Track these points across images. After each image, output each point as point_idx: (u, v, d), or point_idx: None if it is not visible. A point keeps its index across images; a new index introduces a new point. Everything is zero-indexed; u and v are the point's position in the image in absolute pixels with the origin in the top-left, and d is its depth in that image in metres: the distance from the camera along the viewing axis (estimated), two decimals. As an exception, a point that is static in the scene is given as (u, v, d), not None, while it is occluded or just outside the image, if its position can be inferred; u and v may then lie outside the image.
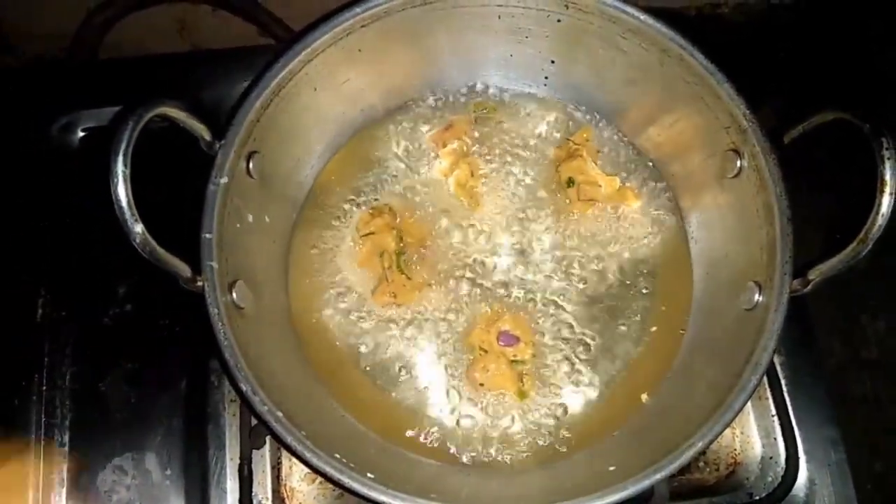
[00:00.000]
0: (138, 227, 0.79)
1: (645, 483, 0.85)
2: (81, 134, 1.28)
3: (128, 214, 0.79)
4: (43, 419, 1.12)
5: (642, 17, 0.99)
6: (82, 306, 1.19)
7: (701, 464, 1.14)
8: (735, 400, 0.88)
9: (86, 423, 1.13)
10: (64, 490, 1.09)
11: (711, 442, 0.87)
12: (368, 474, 0.86)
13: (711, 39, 1.00)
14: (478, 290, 1.09)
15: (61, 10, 1.39)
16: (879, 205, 0.82)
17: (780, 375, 1.15)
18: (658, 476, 0.85)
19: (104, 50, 1.45)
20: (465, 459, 1.02)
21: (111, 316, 1.19)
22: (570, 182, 1.14)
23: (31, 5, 1.39)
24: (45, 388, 1.14)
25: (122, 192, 0.78)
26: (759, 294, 0.95)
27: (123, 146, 0.78)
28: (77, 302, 1.19)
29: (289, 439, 0.85)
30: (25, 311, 1.18)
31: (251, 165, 0.98)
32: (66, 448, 1.11)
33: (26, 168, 1.27)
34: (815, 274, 0.90)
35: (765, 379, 1.13)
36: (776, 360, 1.16)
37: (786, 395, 1.14)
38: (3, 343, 1.17)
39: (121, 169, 0.78)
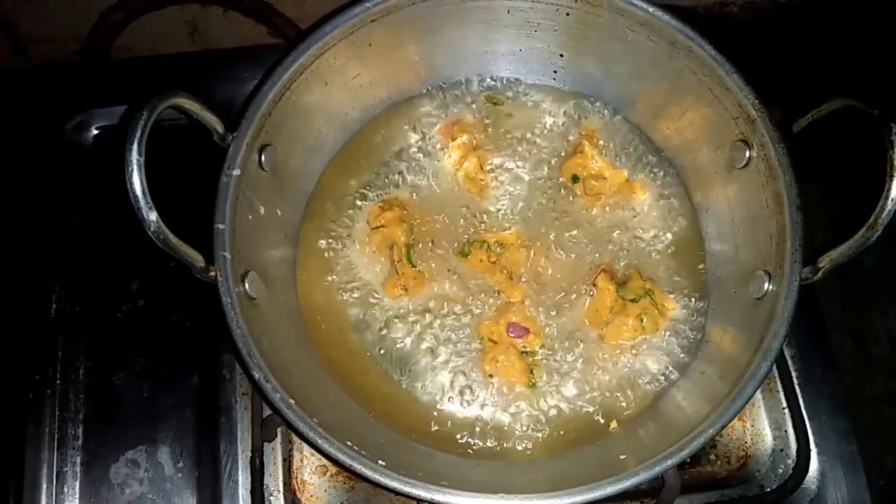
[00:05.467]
0: (153, 215, 0.80)
1: (656, 469, 0.85)
2: (95, 132, 1.30)
3: (142, 202, 0.79)
4: (57, 412, 1.13)
5: (651, 9, 1.00)
6: (96, 302, 1.20)
7: (712, 457, 1.13)
8: (745, 387, 0.89)
9: (99, 416, 1.14)
10: (77, 483, 1.10)
11: (722, 429, 0.87)
12: (380, 461, 0.86)
13: (719, 38, 1.00)
14: (487, 282, 1.10)
15: (74, 14, 1.40)
16: (889, 189, 0.82)
17: (792, 368, 1.15)
18: (669, 462, 0.85)
19: (115, 52, 1.46)
20: (475, 449, 1.02)
21: (124, 311, 1.20)
22: (575, 178, 1.15)
23: (45, 9, 1.40)
24: (59, 381, 1.15)
25: (136, 180, 0.79)
26: (769, 283, 0.95)
27: (138, 135, 0.79)
28: (91, 297, 1.20)
29: (301, 426, 0.85)
30: (40, 306, 1.19)
31: (263, 158, 0.99)
32: (80, 441, 1.12)
33: (41, 166, 1.28)
34: (824, 262, 0.90)
35: (776, 372, 1.14)
36: (787, 353, 1.16)
37: (797, 387, 1.14)
38: (18, 337, 1.18)
39: (135, 157, 0.79)
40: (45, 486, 1.09)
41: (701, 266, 1.12)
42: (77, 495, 1.10)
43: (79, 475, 1.11)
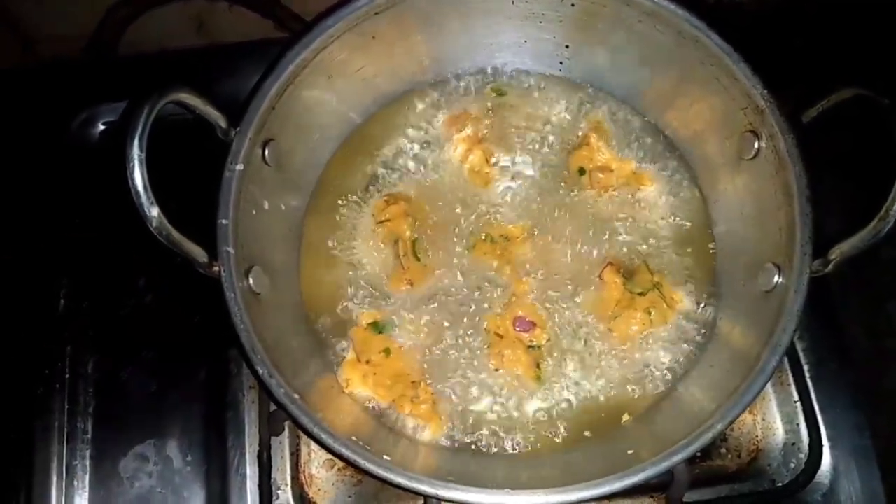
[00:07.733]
0: (154, 211, 0.80)
1: (664, 465, 0.85)
2: (101, 128, 1.30)
3: (144, 198, 0.79)
4: (66, 407, 1.14)
5: (656, -1, 0.99)
6: (103, 297, 1.21)
7: (722, 451, 1.12)
8: (754, 381, 0.88)
9: (108, 411, 1.14)
10: (87, 477, 1.11)
11: (731, 423, 0.86)
12: (385, 457, 0.86)
13: (730, 28, 0.99)
14: (493, 276, 1.09)
15: (82, 12, 1.40)
16: (900, 180, 0.81)
17: (803, 362, 1.14)
18: (677, 457, 0.85)
19: (122, 48, 1.46)
20: (481, 445, 1.01)
21: (132, 306, 1.20)
22: (582, 171, 1.14)
23: (53, 7, 1.40)
24: (67, 376, 1.15)
25: (137, 175, 0.79)
26: (779, 275, 0.94)
27: (139, 131, 0.79)
28: (98, 293, 1.21)
29: (305, 421, 0.85)
30: (48, 302, 1.20)
31: (267, 152, 0.99)
32: (89, 436, 1.13)
33: (48, 162, 1.29)
34: (835, 254, 0.89)
35: (787, 365, 1.12)
36: (798, 346, 1.15)
37: (808, 381, 1.13)
38: (27, 333, 1.18)
39: (136, 153, 0.79)
40: (54, 480, 1.10)
41: (709, 259, 1.10)
42: (87, 489, 1.11)
43: (88, 469, 1.12)
